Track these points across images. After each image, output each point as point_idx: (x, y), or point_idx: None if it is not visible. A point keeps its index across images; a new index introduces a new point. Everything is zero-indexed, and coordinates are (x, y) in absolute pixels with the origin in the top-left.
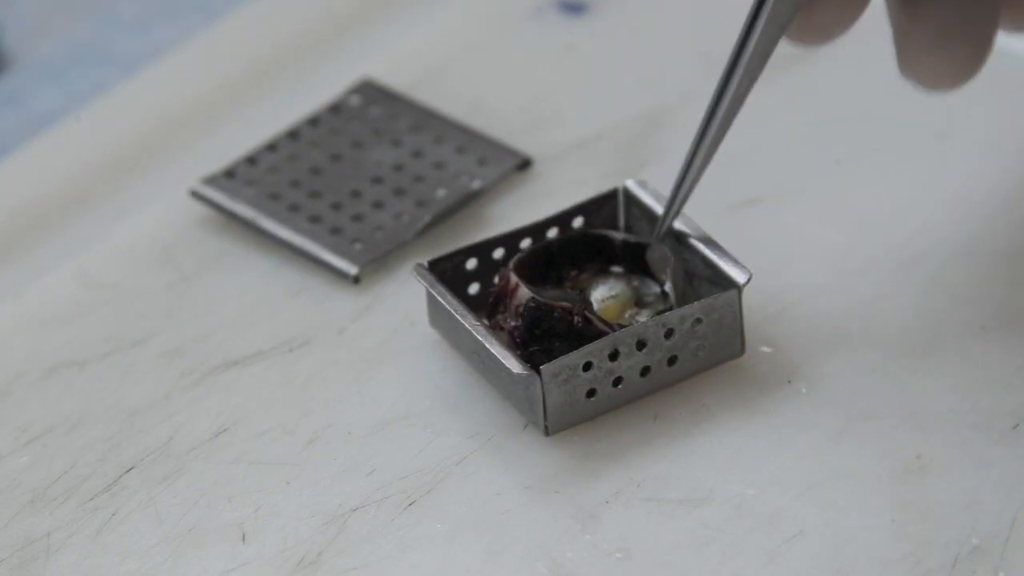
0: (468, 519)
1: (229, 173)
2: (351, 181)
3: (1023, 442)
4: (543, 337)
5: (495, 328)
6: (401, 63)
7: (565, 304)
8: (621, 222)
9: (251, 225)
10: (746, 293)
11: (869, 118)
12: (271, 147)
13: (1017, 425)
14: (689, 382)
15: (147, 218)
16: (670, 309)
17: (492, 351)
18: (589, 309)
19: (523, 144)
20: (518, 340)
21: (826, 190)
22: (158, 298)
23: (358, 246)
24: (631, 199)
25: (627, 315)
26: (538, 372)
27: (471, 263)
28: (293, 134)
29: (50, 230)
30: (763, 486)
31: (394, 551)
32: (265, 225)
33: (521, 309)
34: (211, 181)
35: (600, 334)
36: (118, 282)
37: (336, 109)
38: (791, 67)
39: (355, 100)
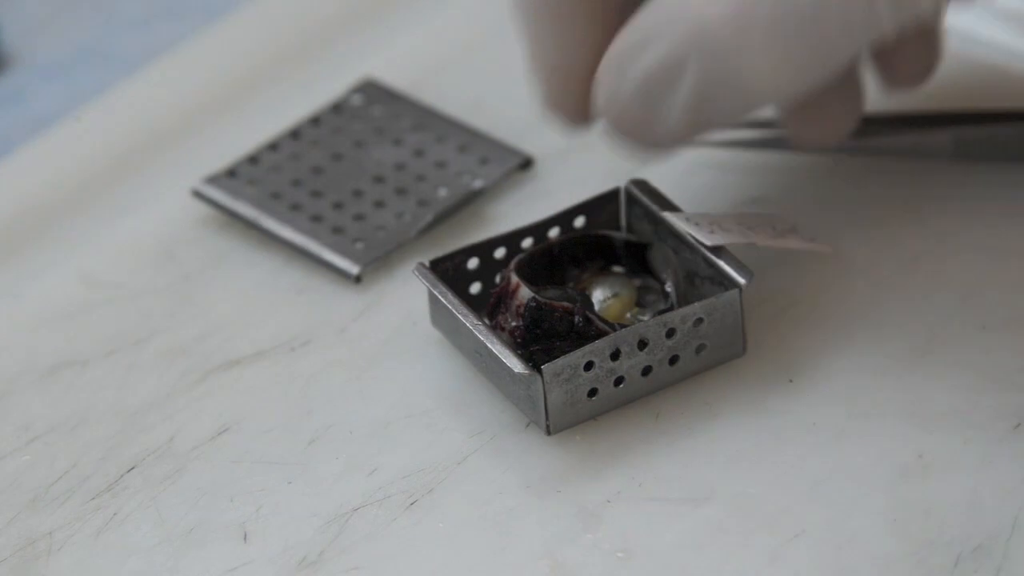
0: (470, 518)
1: (231, 172)
2: (353, 180)
3: None
4: (544, 337)
5: (496, 329)
6: (403, 62)
7: (566, 304)
8: (623, 222)
9: (253, 224)
10: (747, 293)
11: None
12: (273, 146)
13: (1018, 424)
14: (691, 381)
15: (149, 217)
16: (671, 309)
17: (493, 350)
18: (590, 309)
19: (525, 143)
20: (519, 340)
21: (827, 188)
22: (160, 297)
23: (360, 245)
24: (632, 199)
25: (628, 315)
26: (539, 371)
27: (472, 263)
28: (295, 133)
29: (51, 230)
30: (765, 485)
31: (396, 551)
32: (267, 224)
33: (522, 309)
34: (213, 180)
35: (601, 334)
36: (120, 281)
37: (338, 108)
38: None
39: (357, 99)
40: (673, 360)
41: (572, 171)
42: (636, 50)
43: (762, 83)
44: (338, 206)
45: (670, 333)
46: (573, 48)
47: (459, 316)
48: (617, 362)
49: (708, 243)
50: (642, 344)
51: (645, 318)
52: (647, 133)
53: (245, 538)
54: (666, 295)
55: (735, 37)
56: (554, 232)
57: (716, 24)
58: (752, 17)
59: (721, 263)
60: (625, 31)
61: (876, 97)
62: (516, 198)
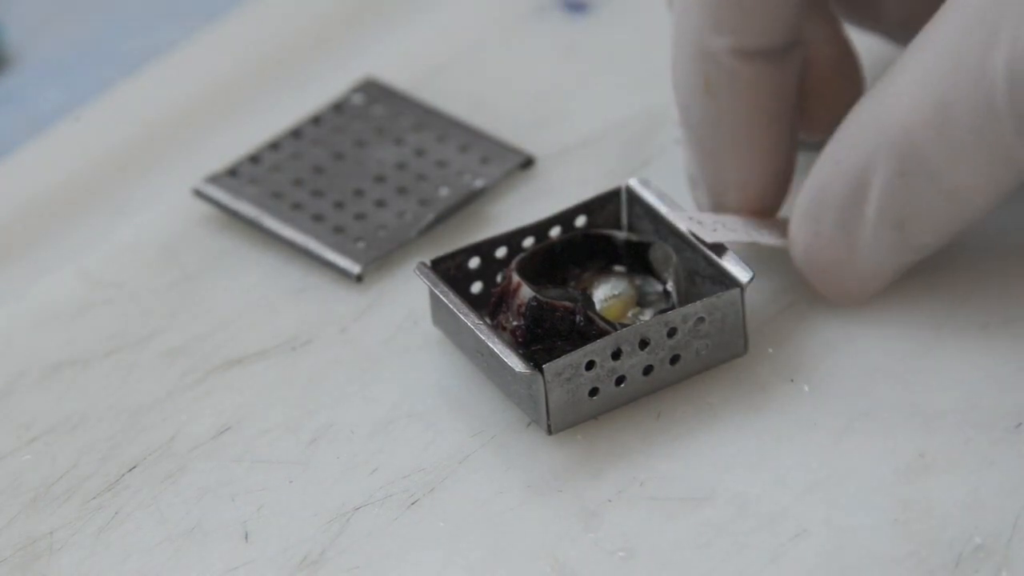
0: (471, 518)
1: (232, 172)
2: (354, 180)
3: None
4: (545, 336)
5: (497, 328)
6: (404, 62)
7: (567, 303)
8: (624, 221)
9: (254, 224)
10: (749, 292)
11: None
12: (274, 145)
13: (1020, 424)
14: (692, 381)
15: (149, 217)
16: (673, 308)
17: (495, 350)
18: (591, 308)
19: (526, 143)
20: (520, 339)
21: None
22: (160, 297)
23: (361, 245)
24: (633, 198)
25: (630, 314)
26: (541, 371)
27: (474, 262)
28: (296, 132)
29: (52, 229)
30: (766, 485)
31: (397, 550)
32: (268, 224)
33: (523, 308)
34: (214, 180)
35: (602, 333)
36: (120, 281)
37: (339, 108)
38: None
39: (358, 99)
40: (674, 359)
41: (573, 170)
42: (830, 174)
43: (967, 185)
44: (339, 205)
45: (671, 332)
46: (749, 168)
47: (460, 315)
48: (618, 361)
49: (709, 240)
50: (643, 343)
51: (646, 317)
52: (846, 275)
53: (246, 537)
54: (667, 294)
55: (937, 144)
56: (555, 231)
57: (916, 134)
58: (952, 120)
59: (722, 262)
60: (819, 158)
61: None
62: (517, 197)
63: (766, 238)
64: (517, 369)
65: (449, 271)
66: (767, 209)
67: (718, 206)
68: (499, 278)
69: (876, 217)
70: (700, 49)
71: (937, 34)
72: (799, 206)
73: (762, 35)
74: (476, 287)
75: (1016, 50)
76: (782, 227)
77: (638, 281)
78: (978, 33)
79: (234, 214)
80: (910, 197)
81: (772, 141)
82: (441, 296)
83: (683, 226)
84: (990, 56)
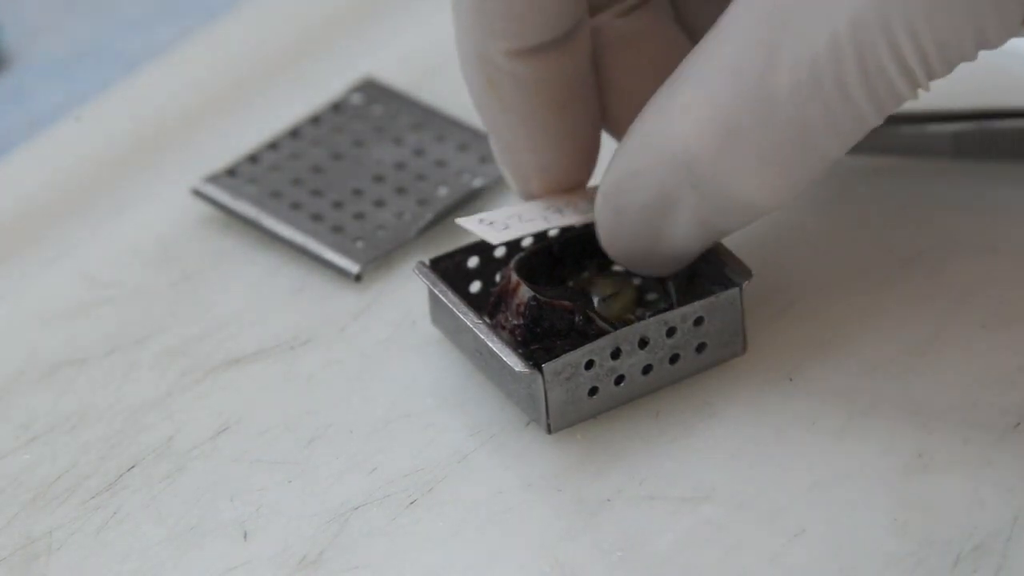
0: (470, 517)
1: (231, 171)
2: (353, 179)
3: None
4: (544, 335)
5: (497, 327)
6: (403, 61)
7: (566, 303)
8: None
9: (253, 223)
10: (748, 291)
11: None
12: (273, 145)
13: (1019, 423)
14: (691, 380)
15: (148, 216)
16: (672, 308)
17: (494, 349)
18: (590, 307)
19: None
20: (519, 339)
21: (827, 188)
22: (159, 296)
23: (360, 244)
24: None
25: (629, 314)
26: (540, 370)
27: (472, 261)
28: (295, 132)
29: (51, 229)
30: (765, 484)
31: (396, 550)
32: (267, 223)
33: (522, 308)
34: (213, 179)
35: (602, 332)
36: (119, 281)
37: (338, 107)
38: None
39: (357, 98)
40: (673, 359)
41: None
42: (628, 185)
43: (760, 198)
44: (338, 205)
45: (670, 332)
46: (547, 154)
47: (459, 315)
48: (618, 361)
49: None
50: (643, 343)
51: (646, 317)
52: (654, 260)
53: (245, 537)
54: (666, 294)
55: (725, 164)
56: (554, 231)
57: (704, 156)
58: (738, 140)
59: (721, 262)
60: (614, 164)
61: None
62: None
63: (569, 218)
64: (516, 368)
65: (448, 270)
66: (574, 187)
67: (526, 193)
68: (498, 277)
69: (677, 218)
70: (477, 52)
71: (720, 44)
72: (603, 190)
73: (535, 34)
74: (475, 286)
75: (797, 72)
76: (592, 198)
77: (637, 281)
78: (759, 52)
79: (233, 214)
80: (706, 204)
81: (567, 125)
82: (440, 295)
83: (472, 229)
84: (772, 77)
